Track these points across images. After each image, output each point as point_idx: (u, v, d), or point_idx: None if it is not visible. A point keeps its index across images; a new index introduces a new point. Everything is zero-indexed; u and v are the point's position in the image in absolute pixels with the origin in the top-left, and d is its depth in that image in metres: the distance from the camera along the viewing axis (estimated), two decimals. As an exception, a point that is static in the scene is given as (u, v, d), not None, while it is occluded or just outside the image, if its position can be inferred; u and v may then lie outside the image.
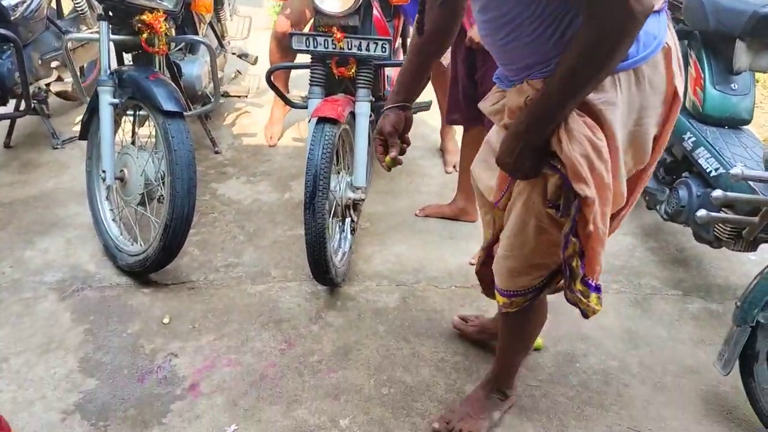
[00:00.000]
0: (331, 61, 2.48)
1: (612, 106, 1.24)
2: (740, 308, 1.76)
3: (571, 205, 1.29)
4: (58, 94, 3.55)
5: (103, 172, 2.35)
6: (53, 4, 3.54)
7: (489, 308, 2.24)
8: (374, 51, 2.37)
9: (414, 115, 1.64)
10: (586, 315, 1.44)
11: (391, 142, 1.54)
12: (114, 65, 2.49)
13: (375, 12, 2.55)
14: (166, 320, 2.18)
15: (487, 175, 1.56)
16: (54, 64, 3.38)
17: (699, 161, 2.32)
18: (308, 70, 2.55)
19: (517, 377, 1.87)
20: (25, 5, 3.02)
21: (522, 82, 1.31)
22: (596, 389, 1.96)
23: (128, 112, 2.53)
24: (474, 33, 2.22)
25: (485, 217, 1.65)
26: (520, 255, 1.47)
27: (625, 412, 1.88)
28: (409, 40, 3.33)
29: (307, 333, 2.15)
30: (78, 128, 2.64)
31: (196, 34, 3.23)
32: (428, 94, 2.65)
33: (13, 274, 2.38)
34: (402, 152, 1.56)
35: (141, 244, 2.40)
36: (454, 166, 3.27)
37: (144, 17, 2.36)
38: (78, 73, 2.89)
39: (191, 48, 3.29)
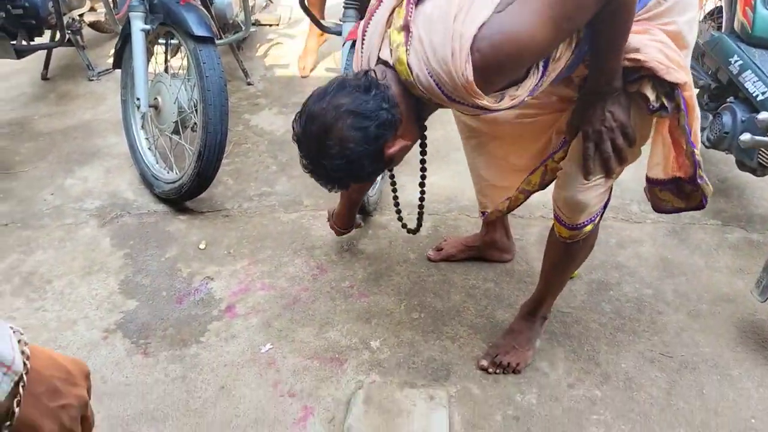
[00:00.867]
0: None
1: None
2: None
3: (673, 97, 1.35)
4: (92, 25, 3.56)
5: (138, 99, 2.37)
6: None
7: (523, 235, 2.23)
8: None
9: None
10: (705, 201, 1.47)
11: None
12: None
13: None
14: (202, 246, 2.23)
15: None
16: (87, -7, 3.38)
17: (745, 85, 2.21)
18: (342, -2, 2.49)
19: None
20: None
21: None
22: (629, 316, 1.95)
23: (160, 41, 2.53)
24: None
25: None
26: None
27: (657, 338, 1.87)
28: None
29: (338, 259, 2.17)
30: (112, 60, 2.66)
31: (227, -40, 3.17)
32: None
33: (55, 201, 2.45)
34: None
35: (176, 172, 2.43)
36: None
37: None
38: (111, 3, 2.87)
39: (222, -25, 3.23)
